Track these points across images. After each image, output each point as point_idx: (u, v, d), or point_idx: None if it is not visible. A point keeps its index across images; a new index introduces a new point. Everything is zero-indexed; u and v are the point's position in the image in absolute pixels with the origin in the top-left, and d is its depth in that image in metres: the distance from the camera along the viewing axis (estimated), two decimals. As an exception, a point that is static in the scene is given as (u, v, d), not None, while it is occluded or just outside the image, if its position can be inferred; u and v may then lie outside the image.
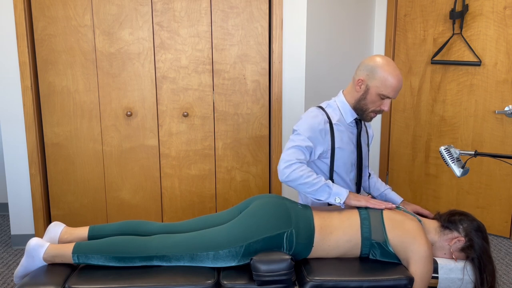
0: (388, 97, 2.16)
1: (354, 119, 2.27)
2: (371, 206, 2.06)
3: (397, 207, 2.15)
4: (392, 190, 2.48)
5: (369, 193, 2.49)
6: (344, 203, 2.07)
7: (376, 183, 2.49)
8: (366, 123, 2.43)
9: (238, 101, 3.22)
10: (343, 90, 2.30)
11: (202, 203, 3.33)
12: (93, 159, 3.19)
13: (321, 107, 2.26)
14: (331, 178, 2.24)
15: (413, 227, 2.00)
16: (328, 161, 2.22)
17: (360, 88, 2.19)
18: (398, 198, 2.42)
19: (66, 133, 3.14)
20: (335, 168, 2.24)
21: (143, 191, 3.26)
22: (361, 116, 2.25)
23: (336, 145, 2.21)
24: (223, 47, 3.14)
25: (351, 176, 2.31)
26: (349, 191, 2.10)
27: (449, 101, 3.50)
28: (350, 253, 2.03)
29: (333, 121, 2.21)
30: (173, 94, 3.16)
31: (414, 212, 2.27)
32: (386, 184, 2.55)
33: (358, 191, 2.35)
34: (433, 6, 3.47)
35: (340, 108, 2.26)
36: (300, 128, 2.16)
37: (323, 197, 2.07)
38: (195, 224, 2.14)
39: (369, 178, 2.49)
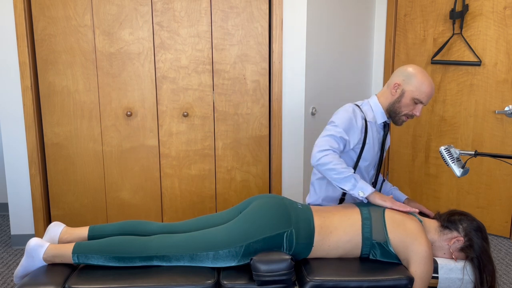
0: (421, 102, 2.26)
1: (383, 122, 2.35)
2: (395, 207, 2.09)
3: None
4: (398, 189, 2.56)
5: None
6: (366, 198, 2.12)
7: (384, 185, 2.57)
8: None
9: (238, 101, 3.21)
10: (377, 93, 2.39)
11: (202, 203, 3.33)
12: (93, 159, 3.19)
13: (357, 105, 2.35)
14: None
15: (414, 227, 2.00)
16: (355, 156, 2.30)
17: (396, 91, 2.29)
18: (402, 196, 2.48)
19: (66, 133, 3.14)
20: (360, 163, 2.31)
21: (143, 191, 3.26)
22: (394, 119, 2.34)
23: (367, 142, 2.29)
24: (223, 47, 3.14)
25: (370, 175, 2.40)
26: (375, 190, 2.14)
27: (449, 101, 3.50)
28: (350, 253, 2.03)
29: (368, 119, 2.31)
30: (173, 94, 3.15)
31: (417, 211, 2.28)
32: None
33: None
34: (433, 6, 3.47)
35: (373, 109, 2.35)
36: (337, 120, 2.24)
37: (347, 187, 2.12)
38: (195, 224, 2.14)
39: (382, 182, 2.54)
